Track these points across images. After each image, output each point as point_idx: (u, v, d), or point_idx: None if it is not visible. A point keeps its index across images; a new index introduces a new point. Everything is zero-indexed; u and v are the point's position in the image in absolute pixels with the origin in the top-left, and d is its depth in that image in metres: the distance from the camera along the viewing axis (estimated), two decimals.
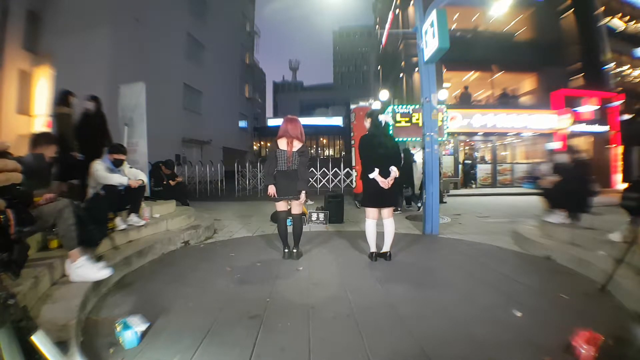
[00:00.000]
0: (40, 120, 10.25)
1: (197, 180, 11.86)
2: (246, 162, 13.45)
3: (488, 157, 13.78)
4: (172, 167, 6.53)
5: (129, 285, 2.55)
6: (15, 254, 1.50)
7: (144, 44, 12.84)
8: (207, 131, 18.29)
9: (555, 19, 13.29)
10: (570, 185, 3.55)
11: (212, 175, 11.70)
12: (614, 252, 2.45)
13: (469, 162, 12.75)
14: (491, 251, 3.53)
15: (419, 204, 6.78)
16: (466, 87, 13.01)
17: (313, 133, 31.65)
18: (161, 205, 4.51)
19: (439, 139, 5.79)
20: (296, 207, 3.23)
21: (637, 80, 14.98)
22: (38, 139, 2.56)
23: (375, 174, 2.98)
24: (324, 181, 10.82)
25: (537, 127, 12.23)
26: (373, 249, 3.14)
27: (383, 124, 3.18)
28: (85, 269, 2.17)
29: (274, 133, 3.26)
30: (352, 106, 11.87)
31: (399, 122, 9.54)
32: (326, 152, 35.10)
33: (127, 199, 3.44)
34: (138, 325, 1.71)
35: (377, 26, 22.05)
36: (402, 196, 6.62)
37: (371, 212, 3.14)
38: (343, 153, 30.31)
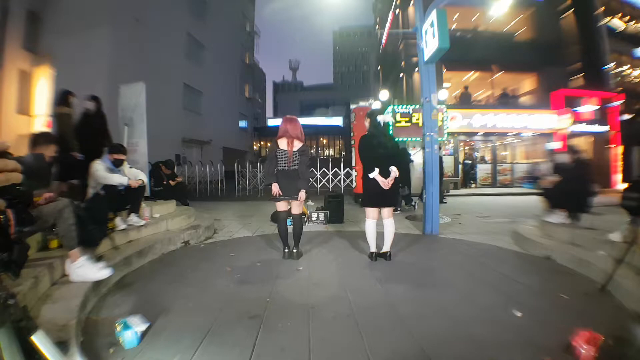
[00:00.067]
0: (40, 120, 10.22)
1: (197, 180, 11.85)
2: (246, 162, 13.44)
3: (488, 157, 13.79)
4: (172, 167, 6.53)
5: (129, 285, 2.55)
6: (15, 254, 1.50)
7: (144, 44, 12.84)
8: (207, 131, 18.30)
9: (555, 19, 13.29)
10: (570, 185, 3.55)
11: (212, 175, 11.70)
12: (614, 252, 2.45)
13: (469, 162, 12.74)
14: (491, 251, 3.53)
15: (413, 203, 6.80)
16: (466, 87, 13.01)
17: (313, 133, 31.64)
18: (161, 205, 4.52)
19: (439, 139, 5.79)
20: (296, 207, 3.24)
21: (637, 80, 14.97)
22: (38, 139, 2.56)
23: (375, 174, 2.98)
24: (324, 181, 10.82)
25: (537, 127, 12.23)
26: (373, 248, 3.14)
27: (383, 124, 3.19)
28: (85, 269, 2.18)
29: (274, 133, 3.26)
30: (352, 106, 11.88)
31: (399, 122, 9.54)
32: (326, 152, 35.11)
33: (127, 199, 3.44)
34: (138, 325, 1.71)
35: (377, 26, 22.03)
36: (400, 196, 6.63)
37: (371, 212, 3.14)
38: (343, 153, 30.33)
